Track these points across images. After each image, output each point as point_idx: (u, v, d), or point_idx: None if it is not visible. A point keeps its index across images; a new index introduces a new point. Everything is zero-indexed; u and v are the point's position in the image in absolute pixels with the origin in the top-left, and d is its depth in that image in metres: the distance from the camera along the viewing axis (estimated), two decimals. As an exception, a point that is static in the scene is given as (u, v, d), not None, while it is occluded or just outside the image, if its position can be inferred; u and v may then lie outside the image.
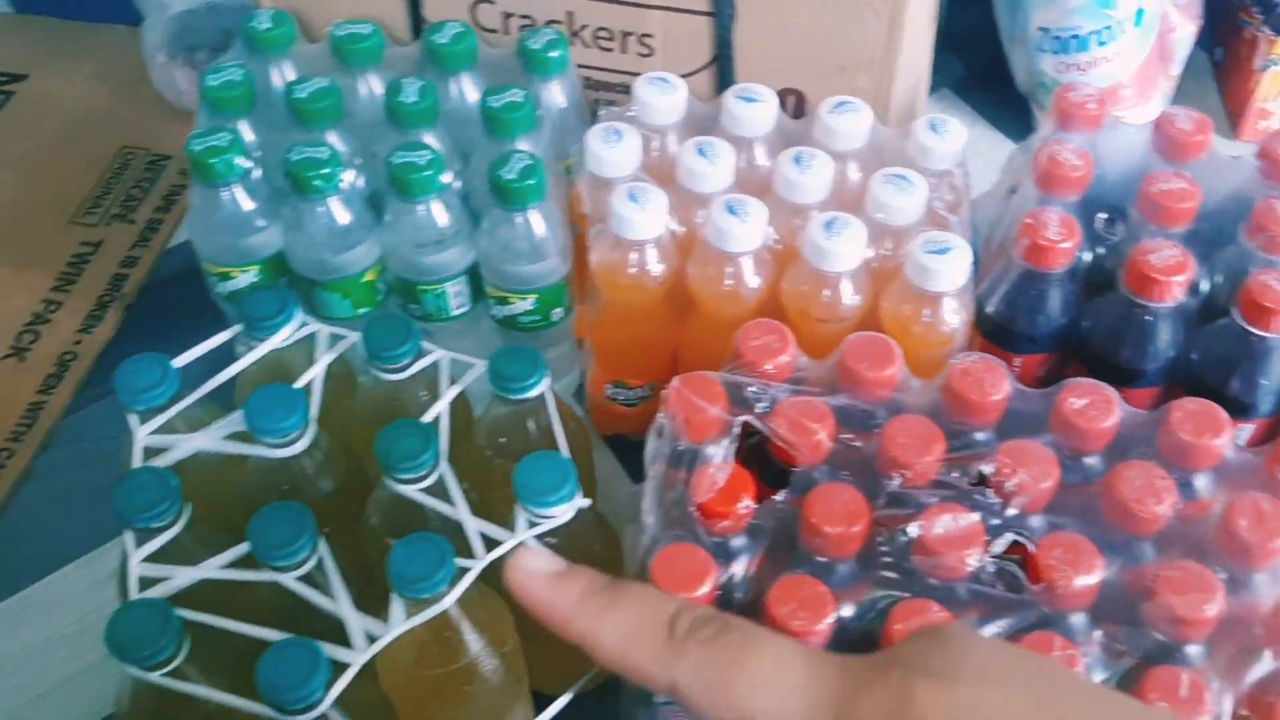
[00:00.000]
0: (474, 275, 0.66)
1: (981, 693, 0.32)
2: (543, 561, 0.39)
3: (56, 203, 0.84)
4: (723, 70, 0.69)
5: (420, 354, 0.56)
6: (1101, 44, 0.78)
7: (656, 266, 0.62)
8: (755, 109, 0.65)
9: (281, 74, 0.69)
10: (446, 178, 0.62)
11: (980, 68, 0.92)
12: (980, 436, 0.54)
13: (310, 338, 0.58)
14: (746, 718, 0.33)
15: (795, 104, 0.70)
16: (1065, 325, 0.60)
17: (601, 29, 0.69)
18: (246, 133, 0.66)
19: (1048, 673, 0.35)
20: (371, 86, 0.68)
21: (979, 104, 0.90)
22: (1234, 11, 0.88)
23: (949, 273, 0.57)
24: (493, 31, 0.71)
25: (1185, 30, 0.83)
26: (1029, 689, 0.32)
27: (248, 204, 0.63)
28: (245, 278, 0.65)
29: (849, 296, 0.60)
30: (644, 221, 0.60)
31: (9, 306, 0.77)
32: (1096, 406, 0.53)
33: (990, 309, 0.61)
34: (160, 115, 0.88)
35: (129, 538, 0.49)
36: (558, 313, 0.66)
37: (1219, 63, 0.91)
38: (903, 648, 0.35)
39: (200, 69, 0.85)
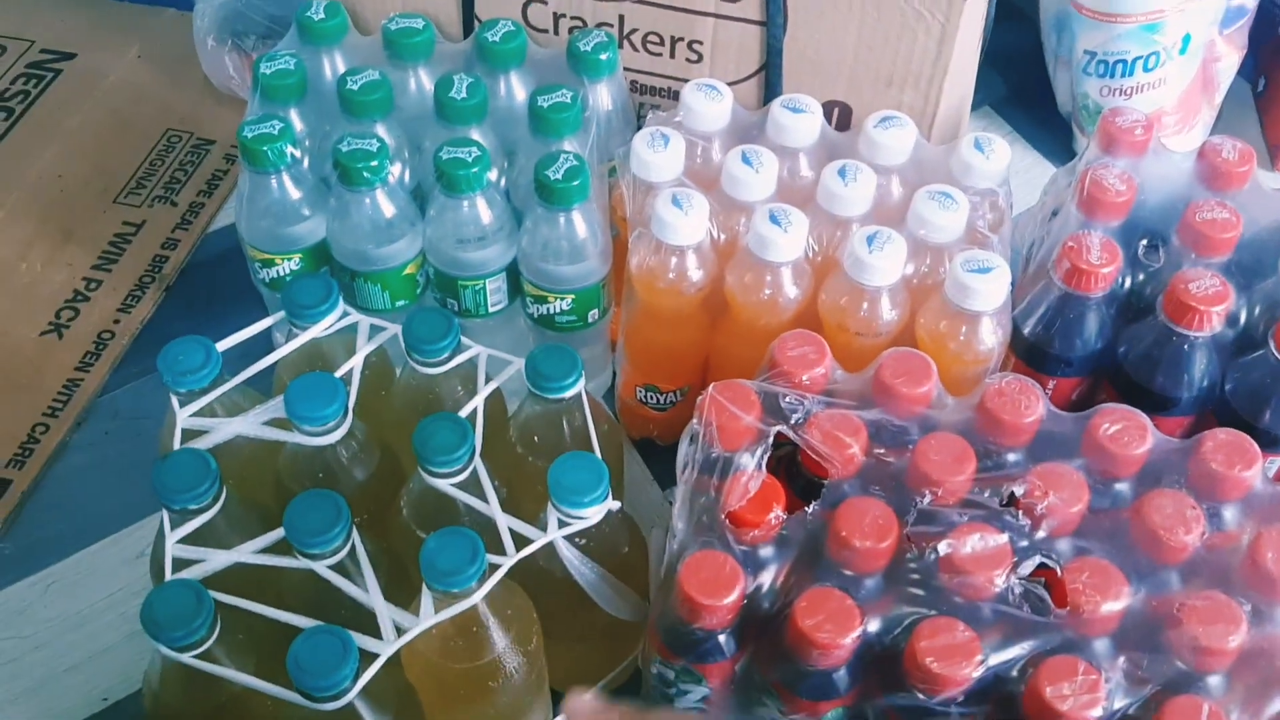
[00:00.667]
0: (513, 272, 0.66)
1: None
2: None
3: (100, 181, 0.85)
4: (770, 79, 0.69)
5: (459, 349, 0.57)
6: (1147, 70, 0.78)
7: (695, 272, 0.62)
8: (801, 119, 0.65)
9: (333, 64, 0.69)
10: (492, 175, 0.63)
11: (1022, 87, 0.92)
12: (1012, 457, 0.55)
13: (351, 328, 0.59)
14: None
15: (840, 116, 0.70)
16: (1101, 350, 0.60)
17: (651, 33, 0.69)
18: (297, 121, 0.67)
19: None
20: (421, 80, 0.69)
21: (1019, 123, 0.90)
22: (1276, 44, 0.87)
23: (988, 292, 0.57)
24: (543, 31, 0.71)
25: (1230, 59, 0.83)
26: None
27: (295, 192, 0.64)
28: (288, 265, 0.66)
29: (887, 311, 0.60)
30: (686, 227, 0.60)
31: (51, 283, 0.78)
32: (1129, 433, 0.53)
33: (1027, 330, 0.61)
34: (207, 99, 0.89)
35: (166, 518, 0.50)
36: (594, 314, 0.67)
37: (1261, 93, 0.90)
38: None
39: (249, 55, 0.86)
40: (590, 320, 0.67)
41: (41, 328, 0.76)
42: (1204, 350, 0.57)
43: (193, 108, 0.89)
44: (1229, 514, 0.53)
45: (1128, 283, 0.60)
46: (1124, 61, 0.78)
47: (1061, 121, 0.88)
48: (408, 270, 0.66)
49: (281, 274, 0.66)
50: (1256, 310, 0.59)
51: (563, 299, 0.65)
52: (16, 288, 0.78)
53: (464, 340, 0.57)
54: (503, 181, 0.65)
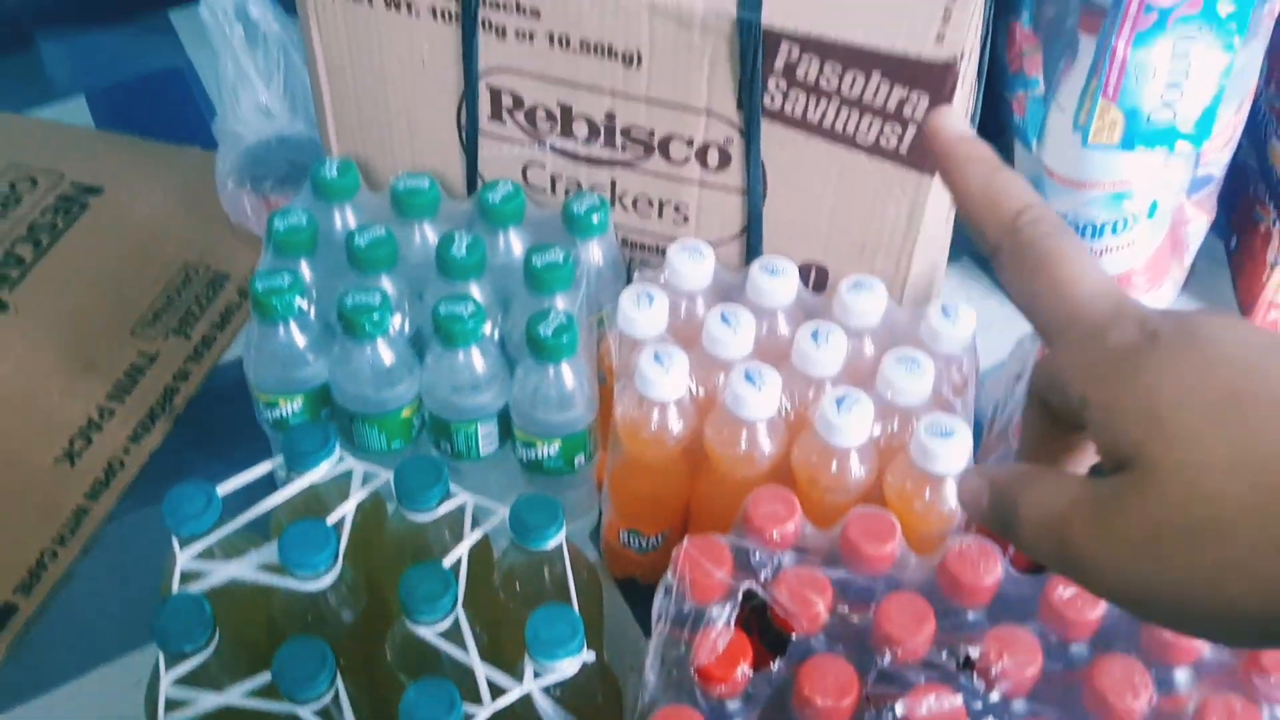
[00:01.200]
0: (504, 417, 0.69)
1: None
2: (958, 123, 0.40)
3: (120, 313, 0.89)
4: (752, 241, 0.73)
5: (447, 497, 0.60)
6: (1115, 233, 0.82)
7: (676, 425, 0.66)
8: (778, 281, 0.69)
9: (344, 219, 0.74)
10: (487, 328, 0.66)
11: (1002, 240, 0.96)
12: (971, 617, 0.57)
13: (346, 473, 0.62)
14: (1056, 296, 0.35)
15: (818, 276, 0.74)
16: (1061, 511, 0.62)
17: (641, 197, 0.74)
18: (307, 271, 0.71)
19: None
20: (426, 235, 0.73)
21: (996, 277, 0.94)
22: (1250, 204, 0.92)
23: (950, 456, 0.60)
24: (542, 191, 0.76)
25: (1199, 222, 0.87)
26: None
27: (300, 339, 0.68)
28: (291, 407, 0.70)
29: (856, 470, 0.63)
30: (667, 383, 0.64)
31: (66, 411, 0.82)
32: (1085, 598, 0.55)
33: (990, 490, 0.64)
34: (224, 236, 0.94)
35: (162, 658, 0.53)
36: (580, 459, 0.70)
37: (1233, 251, 0.94)
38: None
39: (266, 197, 0.91)
40: (576, 465, 0.70)
41: (55, 455, 0.79)
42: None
43: (211, 243, 0.94)
44: (1180, 678, 0.55)
45: (1086, 448, 0.63)
46: (1093, 225, 0.82)
47: (1039, 274, 0.92)
48: (404, 414, 0.69)
49: (285, 415, 0.70)
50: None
51: (550, 444, 0.68)
52: (35, 416, 0.82)
53: (452, 488, 0.60)
54: (496, 333, 0.69)
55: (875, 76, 0.63)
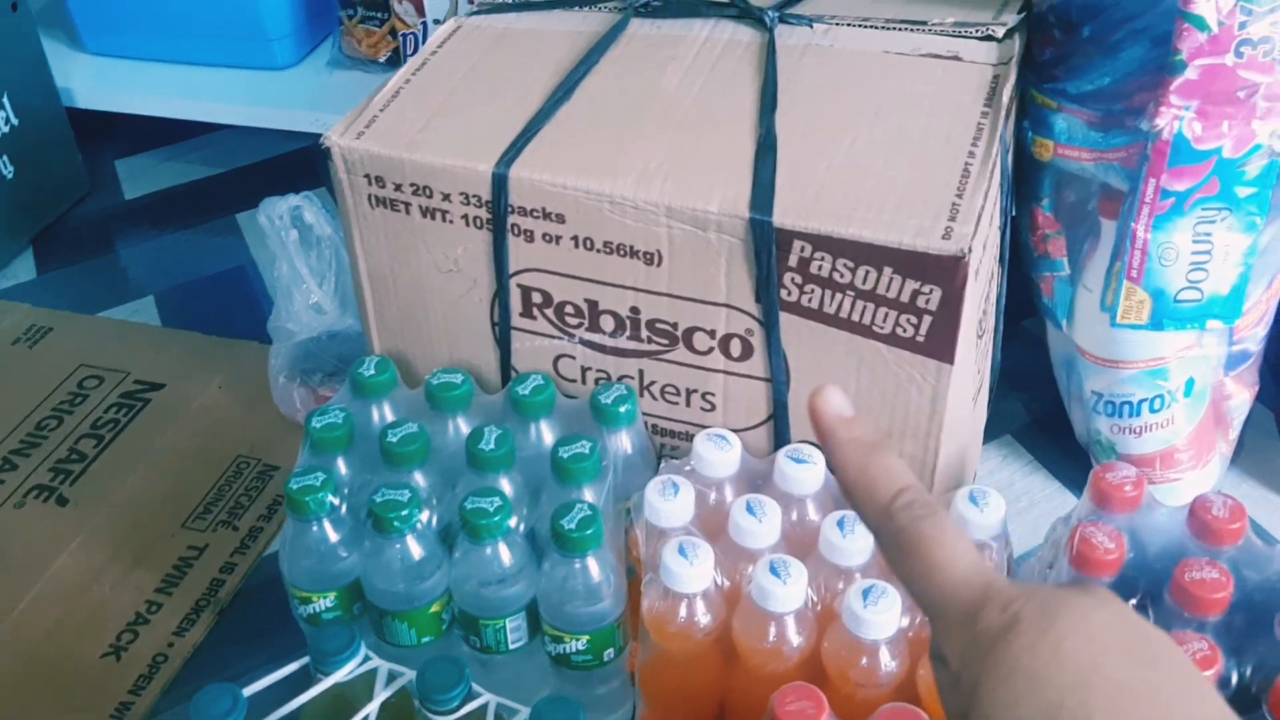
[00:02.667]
0: (533, 611, 0.69)
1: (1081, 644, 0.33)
2: (840, 403, 0.40)
3: (173, 506, 0.92)
4: (779, 427, 0.74)
5: (470, 697, 0.60)
6: (1154, 411, 0.81)
7: (704, 618, 0.65)
8: (805, 469, 0.69)
9: (382, 414, 0.76)
10: (513, 521, 0.67)
11: (1043, 414, 0.95)
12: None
13: (372, 671, 0.62)
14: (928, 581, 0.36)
15: (847, 462, 0.74)
16: (1101, 707, 0.60)
17: (669, 385, 0.75)
18: (343, 468, 0.73)
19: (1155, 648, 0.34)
20: (460, 429, 0.75)
21: (1040, 452, 0.93)
22: (1296, 375, 0.90)
23: (980, 650, 0.59)
24: (572, 381, 0.78)
25: (1241, 396, 0.86)
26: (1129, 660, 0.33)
27: (333, 536, 0.69)
28: (324, 603, 0.71)
29: (887, 663, 0.62)
30: (692, 576, 0.64)
31: (117, 605, 0.84)
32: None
33: (1025, 685, 0.62)
34: (277, 428, 0.97)
35: None
36: (609, 653, 0.69)
37: (1283, 423, 0.93)
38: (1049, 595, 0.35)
39: (315, 390, 0.94)
40: (606, 659, 0.69)
41: (103, 649, 0.81)
42: (1200, 713, 0.57)
43: (263, 435, 0.97)
44: None
45: (1120, 641, 0.61)
46: (1130, 403, 0.81)
47: (1082, 450, 0.91)
48: (433, 609, 0.69)
49: (318, 610, 0.71)
50: (1249, 671, 0.59)
51: (578, 639, 0.68)
52: (86, 609, 0.84)
53: (475, 688, 0.60)
54: (523, 526, 0.70)
55: (887, 271, 0.64)
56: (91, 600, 0.85)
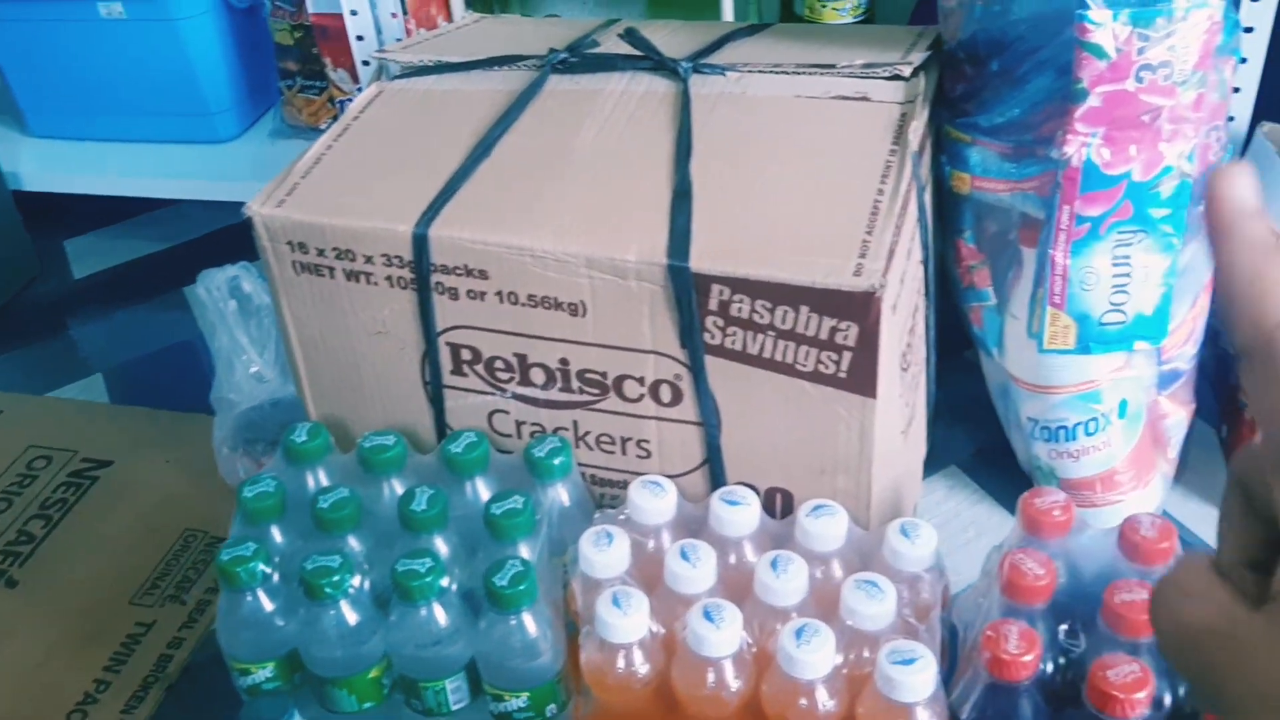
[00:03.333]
0: (473, 671, 0.69)
1: None
2: (1247, 192, 0.33)
3: (121, 582, 0.91)
4: (714, 471, 0.74)
5: (405, 762, 0.59)
6: (1089, 434, 0.82)
7: (642, 668, 0.65)
8: (739, 511, 0.69)
9: (316, 480, 0.76)
10: (445, 582, 0.67)
11: (987, 444, 0.96)
12: None
13: (308, 742, 0.62)
14: None
15: (783, 501, 0.74)
16: (1038, 735, 0.60)
17: (603, 435, 0.75)
18: (277, 536, 0.73)
19: None
20: (395, 491, 0.75)
21: (985, 482, 0.94)
22: (1234, 391, 0.91)
23: (913, 684, 0.59)
24: (508, 436, 0.78)
25: (1177, 415, 0.86)
26: None
27: (268, 605, 0.69)
28: (263, 673, 0.70)
29: (824, 703, 0.62)
30: (626, 626, 0.64)
31: (66, 686, 0.83)
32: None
33: (964, 718, 0.61)
34: (223, 500, 0.96)
35: None
36: (551, 709, 0.69)
37: (1225, 440, 0.93)
38: None
39: (258, 459, 0.94)
40: (549, 715, 0.69)
41: (49, 733, 0.80)
42: (1134, 736, 0.57)
43: (211, 508, 0.96)
44: None
45: (1053, 668, 0.61)
46: (1065, 428, 0.82)
47: (1026, 478, 0.91)
48: (372, 674, 0.69)
49: (258, 681, 0.70)
50: (1183, 693, 0.59)
51: (519, 696, 0.67)
52: (36, 690, 0.83)
53: (411, 752, 0.60)
54: (454, 586, 0.70)
55: (804, 310, 0.65)
56: (42, 681, 0.84)
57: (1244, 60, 0.89)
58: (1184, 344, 0.82)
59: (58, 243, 1.38)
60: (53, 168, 1.30)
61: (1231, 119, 0.90)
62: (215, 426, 0.95)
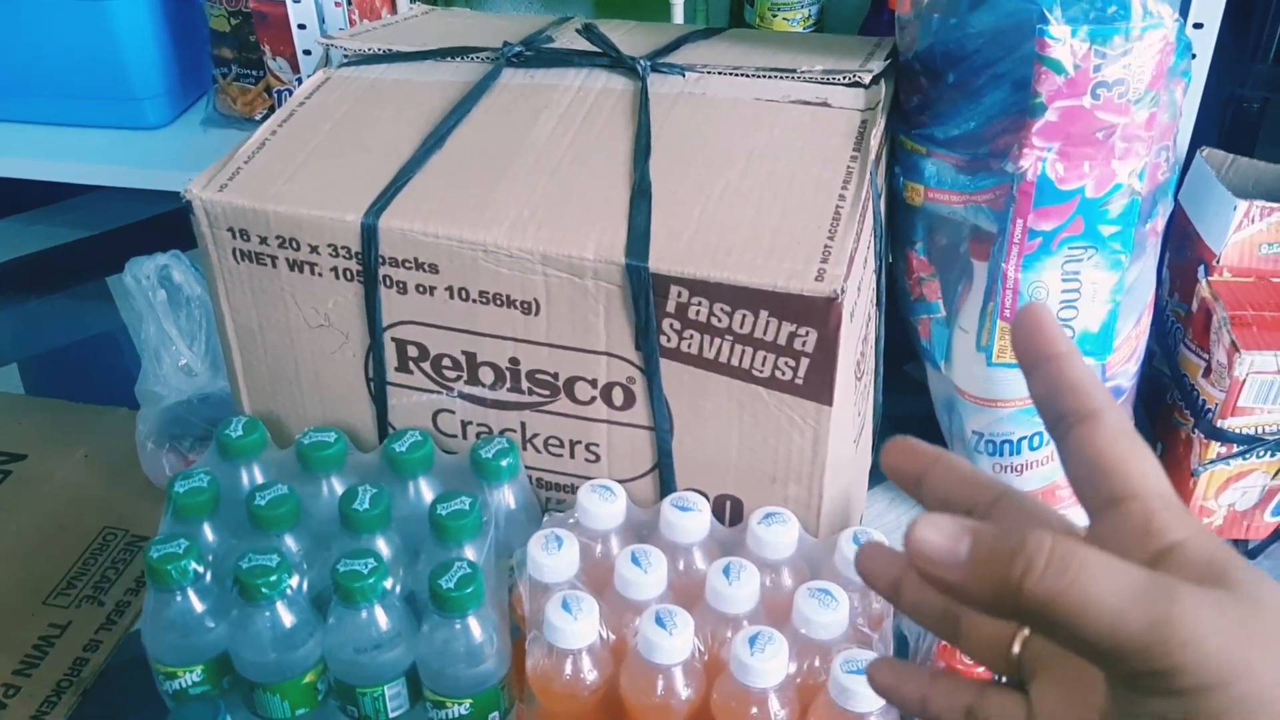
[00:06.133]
0: (414, 677, 0.67)
1: None
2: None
3: (33, 583, 0.86)
4: (664, 476, 0.73)
5: (343, 770, 0.57)
6: (1034, 448, 0.82)
7: (590, 674, 0.63)
8: (689, 518, 0.68)
9: (250, 477, 0.73)
10: (388, 583, 0.65)
11: (930, 458, 0.96)
12: None
13: (239, 748, 0.59)
14: None
15: (733, 509, 0.73)
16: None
17: (552, 438, 0.74)
18: (209, 534, 0.69)
19: None
20: (334, 489, 0.72)
21: (928, 496, 0.94)
22: (1169, 411, 0.92)
23: (868, 694, 0.58)
24: (452, 437, 0.76)
25: (1117, 432, 0.87)
26: None
27: (199, 606, 0.66)
28: (190, 677, 0.67)
29: (776, 712, 0.61)
30: (576, 630, 0.62)
31: (-32, 691, 0.79)
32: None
33: (915, 727, 0.61)
34: (145, 497, 0.93)
35: None
36: (494, 717, 0.67)
37: (1159, 456, 0.94)
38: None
39: (185, 456, 0.90)
40: (490, 723, 0.67)
41: (-49, 741, 0.76)
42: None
43: (131, 506, 0.93)
44: None
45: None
46: (1010, 441, 0.82)
47: (968, 491, 0.91)
48: (307, 679, 0.66)
49: (184, 686, 0.67)
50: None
51: (460, 704, 0.65)
52: (-65, 696, 0.79)
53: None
54: (399, 588, 0.67)
55: (763, 314, 0.64)
56: (-58, 687, 0.79)
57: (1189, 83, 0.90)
58: (1127, 361, 0.83)
59: (-31, 227, 1.32)
60: (-32, 148, 1.25)
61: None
62: (139, 420, 0.92)
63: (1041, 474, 0.83)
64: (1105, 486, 0.31)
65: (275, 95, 1.19)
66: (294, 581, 0.65)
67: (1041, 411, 0.34)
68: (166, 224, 1.30)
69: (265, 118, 1.19)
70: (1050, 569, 0.28)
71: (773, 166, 0.71)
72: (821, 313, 0.63)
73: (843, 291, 0.62)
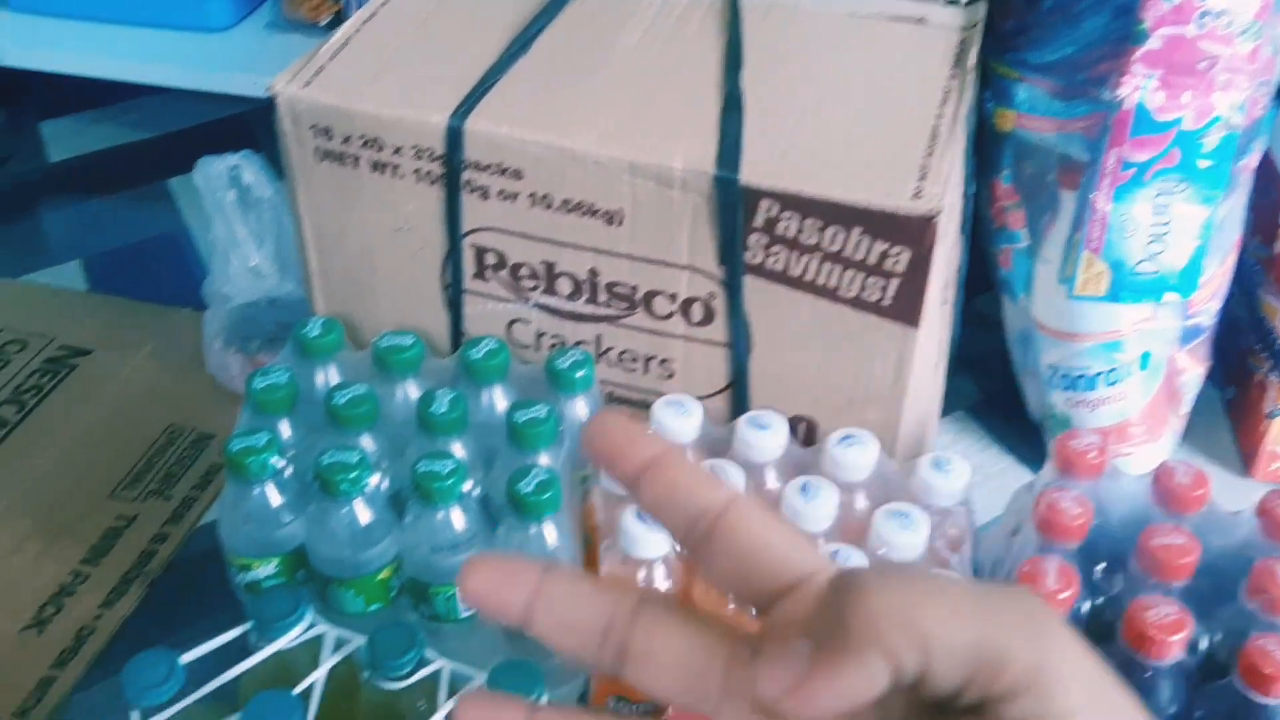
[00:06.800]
0: (486, 580, 0.67)
1: None
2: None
3: (99, 476, 0.87)
4: (738, 395, 0.72)
5: (422, 663, 0.57)
6: (1110, 384, 0.81)
7: (663, 584, 0.63)
8: (766, 436, 0.68)
9: (326, 377, 0.73)
10: (467, 486, 0.65)
11: (994, 392, 0.95)
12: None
13: (318, 638, 0.59)
14: None
15: (806, 431, 0.73)
16: (1065, 674, 0.60)
17: (627, 352, 0.73)
18: (285, 430, 0.70)
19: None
20: (409, 393, 0.72)
21: (992, 428, 0.93)
22: (1244, 354, 0.91)
23: (947, 615, 0.58)
24: (526, 347, 0.75)
25: (1193, 372, 0.86)
26: None
27: (276, 499, 0.66)
28: (265, 570, 0.67)
29: (849, 630, 0.61)
30: (652, 540, 0.62)
31: (38, 577, 0.80)
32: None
33: (990, 652, 0.61)
34: (210, 396, 0.93)
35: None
36: (564, 623, 0.67)
37: (1231, 400, 0.93)
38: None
39: (253, 356, 0.90)
40: (560, 630, 0.67)
41: (24, 623, 0.77)
42: (1167, 679, 0.57)
43: (196, 404, 0.93)
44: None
45: (1087, 607, 0.61)
46: (1086, 376, 0.81)
47: (1034, 427, 0.91)
48: (381, 576, 0.67)
49: (259, 578, 0.68)
50: (1219, 637, 0.59)
51: (533, 609, 0.65)
52: (7, 581, 0.80)
53: (429, 654, 0.58)
54: (477, 491, 0.68)
55: (856, 232, 0.63)
56: (12, 572, 0.80)
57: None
58: (1210, 300, 0.81)
59: (31, 124, 1.31)
60: (31, 44, 1.23)
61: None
62: (207, 320, 0.92)
63: (1115, 410, 0.82)
64: (775, 572, 0.29)
65: (343, 1, 1.17)
66: (373, 480, 0.65)
67: (665, 523, 0.30)
68: (227, 127, 1.29)
69: (331, 24, 1.19)
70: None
71: (867, 82, 0.69)
72: (916, 232, 0.62)
73: (940, 211, 0.61)
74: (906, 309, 0.65)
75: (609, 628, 0.29)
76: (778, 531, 0.29)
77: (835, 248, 0.64)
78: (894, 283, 0.64)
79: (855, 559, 0.60)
